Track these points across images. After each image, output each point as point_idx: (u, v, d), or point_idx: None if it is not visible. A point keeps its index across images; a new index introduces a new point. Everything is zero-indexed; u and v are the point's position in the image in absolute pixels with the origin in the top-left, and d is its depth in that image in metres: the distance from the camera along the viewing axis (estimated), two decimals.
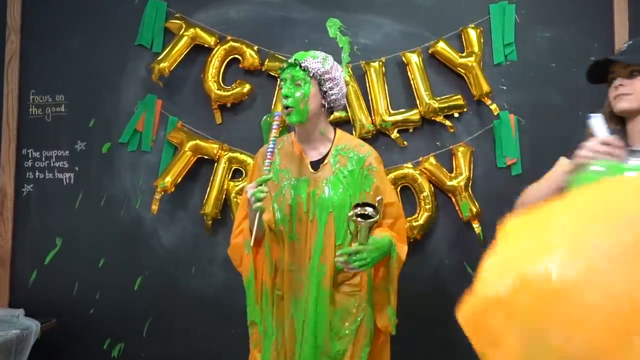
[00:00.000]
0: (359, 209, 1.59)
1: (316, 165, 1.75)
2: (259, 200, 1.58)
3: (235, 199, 2.33)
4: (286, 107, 1.69)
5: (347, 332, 1.71)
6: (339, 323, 1.71)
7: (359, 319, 1.72)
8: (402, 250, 1.73)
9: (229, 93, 2.35)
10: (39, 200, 2.54)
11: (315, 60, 1.70)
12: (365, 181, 1.74)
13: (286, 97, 1.68)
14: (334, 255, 1.67)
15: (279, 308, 1.76)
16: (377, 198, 1.66)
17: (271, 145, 1.67)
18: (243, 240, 1.73)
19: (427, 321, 2.25)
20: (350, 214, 1.60)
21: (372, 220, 1.58)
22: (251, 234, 1.64)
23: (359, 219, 1.58)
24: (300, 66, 1.69)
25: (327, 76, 1.70)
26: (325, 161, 1.75)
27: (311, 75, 1.69)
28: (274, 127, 1.69)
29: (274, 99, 2.35)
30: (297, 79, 1.68)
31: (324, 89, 1.71)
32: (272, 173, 1.70)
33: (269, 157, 1.65)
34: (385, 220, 1.75)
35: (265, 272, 1.75)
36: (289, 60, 1.72)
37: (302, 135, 1.78)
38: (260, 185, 1.60)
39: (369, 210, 1.59)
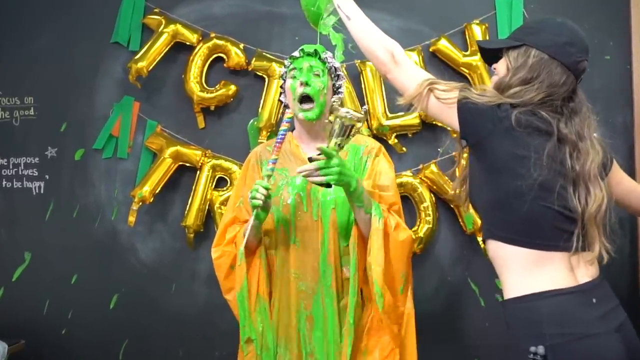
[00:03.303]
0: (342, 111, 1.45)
1: None
2: (255, 206, 1.55)
3: (219, 210, 2.25)
4: (304, 97, 1.63)
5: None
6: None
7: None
8: (395, 222, 1.62)
9: (212, 95, 2.28)
10: (6, 211, 2.46)
11: (329, 54, 1.70)
12: (365, 168, 1.70)
13: (306, 84, 1.63)
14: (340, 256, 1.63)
15: (281, 321, 1.69)
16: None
17: (280, 136, 1.61)
18: (235, 249, 1.67)
19: (429, 342, 2.11)
20: (332, 104, 1.47)
21: (355, 115, 1.42)
22: (243, 238, 1.61)
23: (340, 111, 1.42)
24: (320, 57, 1.67)
25: (339, 72, 1.73)
26: None
27: (328, 68, 1.69)
28: (286, 121, 1.64)
29: (261, 100, 2.28)
30: (315, 69, 1.66)
31: (336, 85, 1.73)
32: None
33: (276, 148, 1.61)
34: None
35: (261, 283, 1.69)
36: (305, 50, 1.69)
37: (305, 131, 1.72)
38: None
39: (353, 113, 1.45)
